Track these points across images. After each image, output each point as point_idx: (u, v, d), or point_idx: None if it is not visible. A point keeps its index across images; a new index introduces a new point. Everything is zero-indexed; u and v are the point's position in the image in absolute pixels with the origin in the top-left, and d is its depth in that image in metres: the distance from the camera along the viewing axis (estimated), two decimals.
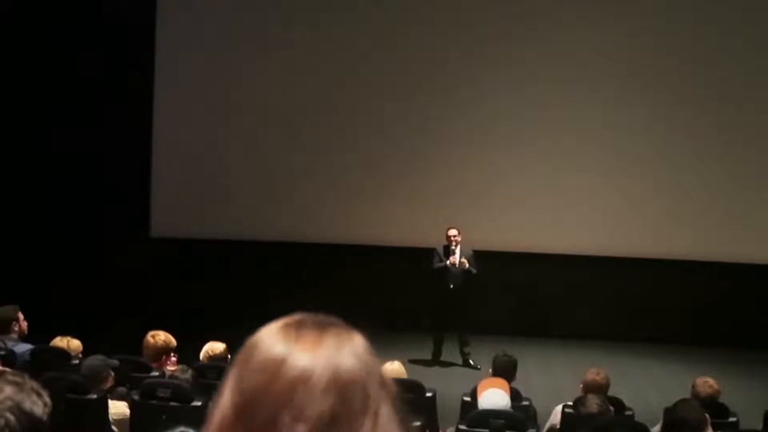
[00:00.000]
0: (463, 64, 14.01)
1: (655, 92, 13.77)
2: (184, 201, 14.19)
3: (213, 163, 14.25)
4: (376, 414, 1.10)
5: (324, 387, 1.10)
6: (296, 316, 1.18)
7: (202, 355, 7.74)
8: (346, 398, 1.10)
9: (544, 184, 13.89)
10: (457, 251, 11.88)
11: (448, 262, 11.83)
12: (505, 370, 7.68)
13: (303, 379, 1.10)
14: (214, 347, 7.68)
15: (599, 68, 13.81)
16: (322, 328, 1.15)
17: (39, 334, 8.23)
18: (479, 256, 12.25)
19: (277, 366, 1.12)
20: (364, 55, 14.13)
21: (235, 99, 14.20)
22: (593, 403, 6.44)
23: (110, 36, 13.83)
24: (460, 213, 13.45)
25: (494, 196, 13.94)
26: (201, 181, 14.21)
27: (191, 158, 14.27)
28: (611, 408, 6.64)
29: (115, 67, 13.84)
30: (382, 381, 1.13)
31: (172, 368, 7.45)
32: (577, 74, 13.83)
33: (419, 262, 12.32)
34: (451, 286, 11.83)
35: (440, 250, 12.05)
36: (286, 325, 1.16)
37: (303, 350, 1.12)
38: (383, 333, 11.72)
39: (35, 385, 2.00)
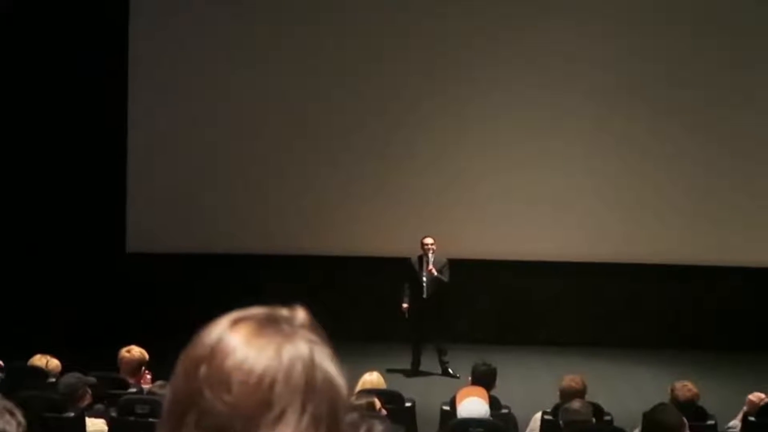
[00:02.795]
0: (438, 70, 14.01)
1: (639, 96, 13.81)
2: (160, 215, 14.13)
3: (188, 176, 14.19)
4: (282, 412, 1.08)
5: (226, 375, 1.10)
6: (252, 310, 1.17)
7: None
8: (248, 392, 1.09)
9: (521, 191, 13.89)
10: (431, 260, 11.86)
11: (424, 272, 11.81)
12: (484, 379, 7.69)
13: (210, 360, 1.11)
14: None
15: (581, 71, 13.83)
16: (267, 323, 1.14)
17: (17, 352, 8.18)
18: (457, 265, 12.25)
19: (211, 342, 1.13)
20: (339, 65, 14.11)
21: (211, 112, 14.15)
22: (576, 403, 6.44)
23: (83, 48, 13.76)
24: (438, 221, 13.44)
25: (471, 204, 13.93)
26: (177, 195, 14.14)
27: (167, 172, 14.21)
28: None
29: (87, 78, 13.76)
30: (308, 385, 1.10)
31: (148, 383, 7.43)
32: (556, 78, 13.84)
33: (397, 272, 12.29)
34: (425, 296, 11.81)
35: (413, 261, 12.05)
36: (233, 316, 1.17)
37: (234, 337, 1.12)
38: (361, 344, 11.81)
39: (8, 404, 1.98)
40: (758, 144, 13.81)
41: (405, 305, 11.93)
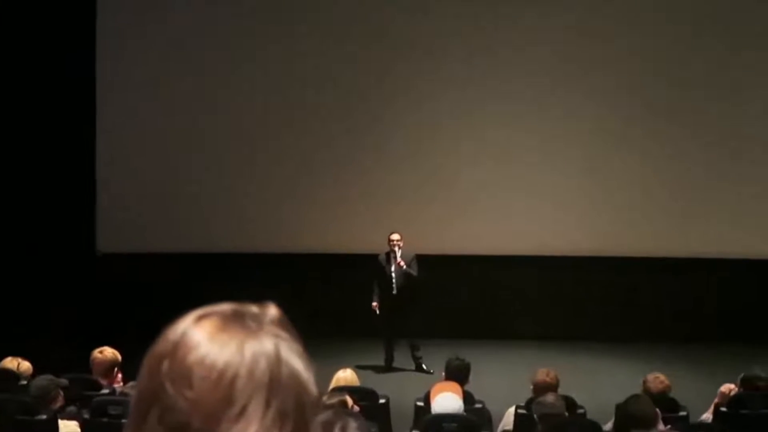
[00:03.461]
0: (414, 65, 14.02)
1: (624, 91, 13.86)
2: (131, 215, 14.06)
3: (160, 175, 14.14)
4: (243, 408, 1.07)
5: (186, 368, 1.09)
6: (219, 306, 1.16)
7: None
8: (209, 387, 1.08)
9: (496, 186, 13.92)
10: (398, 255, 11.87)
11: (393, 268, 11.83)
12: (457, 374, 7.71)
13: (172, 356, 1.10)
14: None
15: (560, 65, 13.89)
16: (232, 319, 1.13)
17: None
18: (432, 260, 12.27)
19: (175, 337, 1.12)
20: (312, 65, 14.08)
21: (183, 109, 14.10)
22: (550, 396, 6.47)
23: (50, 46, 13.68)
24: (413, 217, 13.48)
25: (446, 199, 13.95)
26: (148, 194, 14.09)
27: (137, 170, 14.15)
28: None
29: (55, 77, 13.68)
30: (272, 381, 1.09)
31: (120, 383, 7.40)
32: (537, 70, 13.88)
33: (366, 269, 12.28)
34: (395, 292, 11.83)
35: (381, 258, 12.06)
36: (199, 312, 1.16)
37: (197, 333, 1.12)
38: (334, 341, 11.81)
39: None
40: (753, 142, 13.88)
41: (375, 303, 11.95)
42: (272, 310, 1.17)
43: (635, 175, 13.95)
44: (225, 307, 1.16)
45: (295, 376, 1.11)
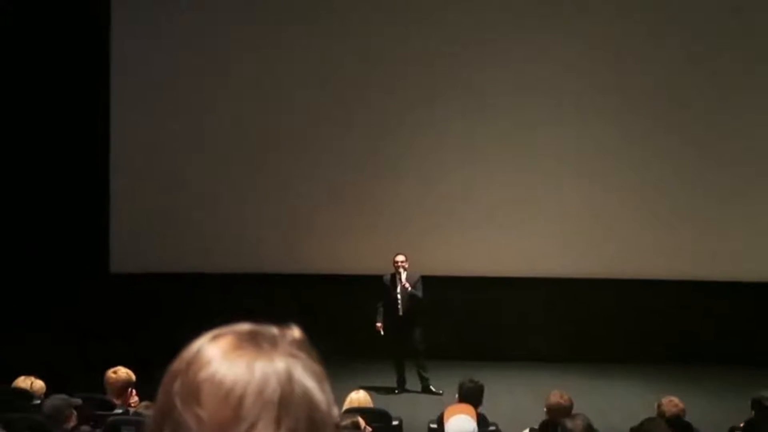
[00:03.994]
0: (417, 85, 14.05)
1: (624, 110, 13.89)
2: (144, 235, 14.10)
3: (172, 194, 14.18)
4: (251, 426, 1.06)
5: (194, 385, 1.10)
6: (238, 326, 1.17)
7: None
8: (217, 404, 1.08)
9: (501, 207, 13.93)
10: (404, 277, 11.87)
11: (398, 288, 11.82)
12: (471, 396, 7.68)
13: (185, 373, 1.11)
14: None
15: (560, 86, 13.91)
16: (247, 339, 1.14)
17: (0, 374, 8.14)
18: (437, 281, 12.26)
19: (189, 356, 1.13)
20: (316, 85, 14.13)
21: (196, 132, 14.16)
22: (577, 421, 6.37)
23: (63, 64, 13.77)
24: (418, 239, 13.49)
25: (452, 220, 13.96)
26: (161, 214, 14.13)
27: (150, 190, 14.19)
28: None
29: (69, 95, 13.76)
30: (282, 400, 1.08)
31: (134, 404, 7.40)
32: (537, 93, 13.91)
33: (371, 291, 12.28)
34: (400, 314, 11.82)
35: (386, 279, 12.05)
36: (216, 331, 1.16)
37: (211, 351, 1.12)
38: (347, 362, 11.79)
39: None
40: (748, 159, 13.87)
41: (379, 324, 11.95)
42: (293, 332, 1.17)
43: (642, 197, 13.93)
44: (243, 326, 1.16)
45: (307, 396, 1.10)
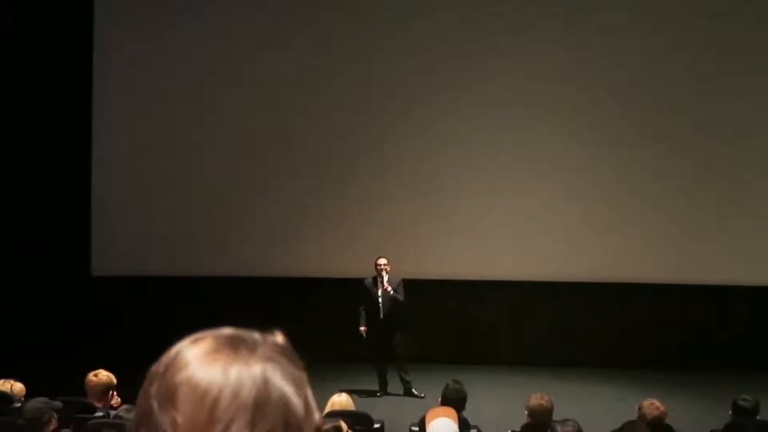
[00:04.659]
0: (410, 91, 14.07)
1: (624, 119, 13.93)
2: (126, 238, 14.06)
3: (154, 199, 14.16)
4: (225, 428, 1.06)
5: (170, 386, 1.10)
6: (219, 330, 1.17)
7: None
8: (192, 406, 1.08)
9: (488, 211, 13.96)
10: (385, 280, 11.87)
11: (380, 291, 11.82)
12: (454, 399, 7.66)
13: (162, 375, 1.12)
14: None
15: (552, 90, 13.95)
16: (226, 343, 1.14)
17: None
18: (422, 285, 12.25)
19: (168, 359, 1.14)
20: (307, 86, 14.14)
21: (177, 134, 14.14)
22: (569, 427, 6.34)
23: (46, 68, 13.73)
24: (402, 242, 13.50)
25: (436, 224, 13.99)
26: (142, 217, 14.10)
27: (132, 193, 14.16)
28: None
29: (51, 97, 13.72)
30: (257, 403, 1.08)
31: (116, 404, 7.37)
32: (527, 96, 13.96)
33: (358, 294, 12.26)
34: (381, 317, 11.82)
35: (368, 282, 12.04)
36: (197, 334, 1.17)
37: (189, 354, 1.12)
38: (330, 366, 11.77)
39: None
40: (740, 167, 13.92)
41: (362, 327, 11.94)
42: (275, 337, 1.18)
43: (632, 202, 13.97)
44: (224, 331, 1.17)
45: (284, 400, 1.10)
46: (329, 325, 13.51)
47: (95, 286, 14.02)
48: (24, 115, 13.74)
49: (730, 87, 13.86)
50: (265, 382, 1.10)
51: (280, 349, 1.16)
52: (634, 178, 13.95)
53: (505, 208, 13.97)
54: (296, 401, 1.11)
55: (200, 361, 1.11)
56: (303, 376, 1.15)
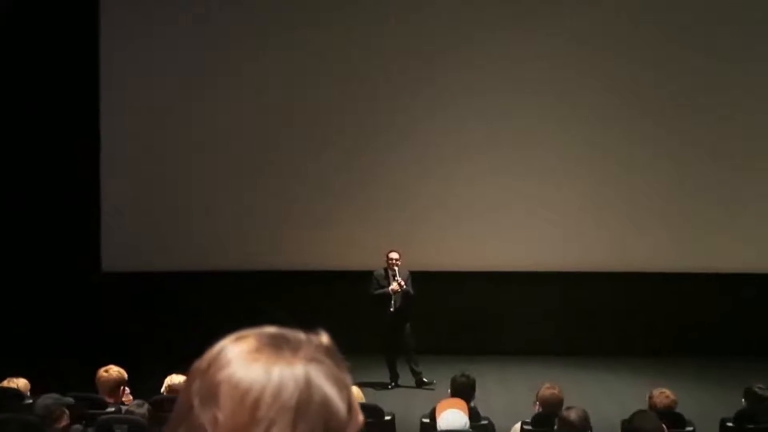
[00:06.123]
0: (410, 83, 14.07)
1: (627, 107, 13.92)
2: (136, 233, 14.08)
3: (164, 192, 14.18)
4: (267, 428, 1.06)
5: (211, 386, 1.10)
6: (263, 329, 1.16)
7: (163, 387, 7.69)
8: (233, 406, 1.07)
9: (495, 201, 13.95)
10: (397, 273, 11.87)
11: (390, 289, 11.82)
12: (463, 391, 7.68)
13: (204, 373, 1.11)
14: (175, 379, 7.62)
15: (556, 79, 13.93)
16: (269, 342, 1.13)
17: None
18: (432, 276, 12.26)
19: (211, 356, 1.13)
20: (309, 79, 14.14)
21: (186, 129, 14.15)
22: (573, 413, 6.31)
23: (54, 65, 13.76)
24: (410, 231, 13.51)
25: (445, 214, 13.98)
26: (153, 213, 14.12)
27: (141, 188, 14.18)
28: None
29: (60, 95, 13.75)
30: (299, 404, 1.07)
31: (127, 400, 7.39)
32: (535, 87, 13.93)
33: (367, 286, 12.25)
34: (392, 309, 11.82)
35: (378, 274, 12.03)
36: (242, 332, 1.16)
37: (232, 351, 1.12)
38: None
39: None
40: (741, 155, 13.90)
41: (391, 287, 11.82)
42: (320, 337, 1.18)
43: (638, 192, 13.96)
44: (268, 329, 1.16)
45: (325, 403, 1.10)
46: (337, 317, 13.49)
47: (106, 281, 14.02)
48: (34, 111, 13.77)
49: (735, 75, 13.83)
50: (308, 384, 1.09)
51: (325, 350, 1.15)
52: (643, 167, 13.92)
53: (513, 199, 13.95)
54: (339, 403, 1.11)
55: (242, 360, 1.10)
56: (347, 377, 1.15)
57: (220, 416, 1.07)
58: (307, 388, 1.09)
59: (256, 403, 1.07)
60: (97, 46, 14.17)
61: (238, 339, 1.14)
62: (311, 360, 1.11)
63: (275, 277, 13.84)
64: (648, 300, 14.00)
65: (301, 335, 1.16)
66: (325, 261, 13.98)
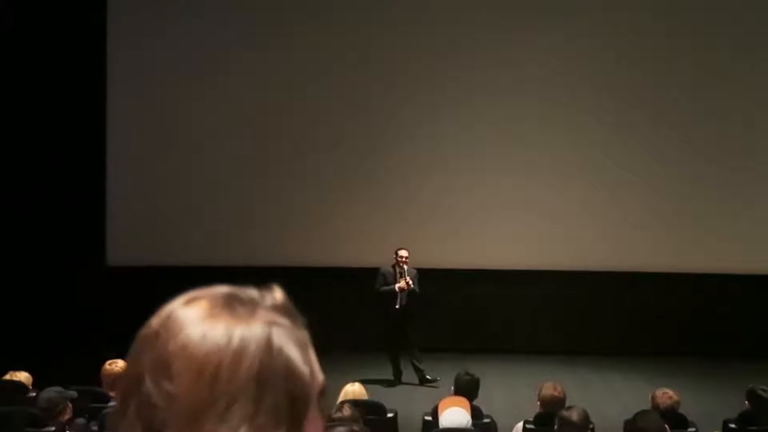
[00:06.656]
0: (413, 81, 14.08)
1: (615, 100, 13.91)
2: (141, 227, 14.10)
3: (169, 189, 14.19)
4: (227, 405, 0.94)
5: (162, 353, 0.98)
6: (213, 289, 1.06)
7: None
8: (189, 380, 0.96)
9: (499, 200, 13.96)
10: (406, 272, 11.86)
11: (397, 287, 11.81)
12: (466, 389, 7.67)
13: (153, 342, 1.00)
14: None
15: (556, 79, 13.93)
16: (223, 303, 1.02)
17: None
18: (435, 274, 12.27)
19: (160, 322, 1.03)
20: (314, 78, 14.15)
21: (191, 125, 14.16)
22: (574, 414, 6.31)
23: (61, 63, 13.78)
24: (415, 231, 13.50)
25: (449, 213, 13.99)
26: (158, 206, 14.14)
27: (147, 183, 14.21)
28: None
29: (66, 91, 13.77)
30: (261, 373, 0.96)
31: None
32: (532, 87, 13.94)
33: (371, 283, 12.24)
34: (397, 306, 11.81)
35: (386, 271, 12.02)
36: (190, 294, 1.06)
37: (184, 317, 1.01)
38: (343, 355, 11.79)
39: None
40: (741, 155, 13.89)
41: (400, 284, 11.80)
42: (275, 294, 1.07)
43: (643, 191, 13.95)
44: (220, 289, 1.06)
45: (289, 368, 0.99)
46: (341, 314, 13.53)
47: (111, 275, 14.04)
48: (41, 106, 13.80)
49: (736, 75, 13.84)
50: (269, 348, 0.98)
51: (283, 308, 1.05)
52: (648, 167, 13.92)
53: (516, 198, 13.95)
54: (303, 369, 1.01)
55: (196, 326, 0.99)
56: (306, 336, 1.05)
57: (175, 392, 0.96)
58: (269, 354, 0.98)
59: (215, 376, 0.95)
60: (105, 41, 14.18)
61: (188, 302, 1.03)
62: (270, 322, 1.01)
63: (279, 273, 13.79)
64: (652, 300, 13.99)
65: (254, 293, 1.05)
66: (327, 258, 13.99)
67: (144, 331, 1.03)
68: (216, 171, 14.20)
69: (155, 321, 1.02)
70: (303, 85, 14.16)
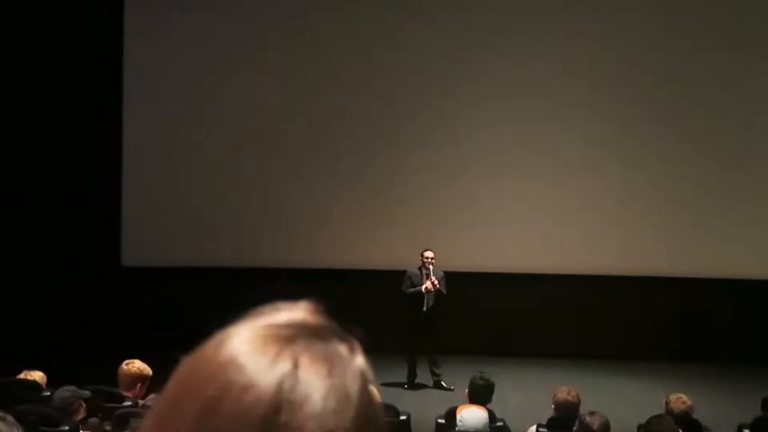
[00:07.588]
0: (433, 82, 14.08)
1: (624, 104, 13.90)
2: (156, 228, 14.13)
3: (184, 189, 14.22)
4: None
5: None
6: (313, 344, 0.92)
7: None
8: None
9: (516, 204, 13.95)
10: (432, 273, 11.84)
11: (423, 288, 11.78)
12: (481, 392, 7.66)
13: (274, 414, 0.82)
14: None
15: (567, 82, 13.93)
16: (332, 361, 0.90)
17: (9, 366, 8.16)
18: (451, 277, 12.26)
19: (210, 353, 0.88)
20: (331, 80, 14.17)
21: (207, 126, 14.19)
22: (597, 419, 6.28)
23: (77, 61, 13.82)
24: (434, 234, 13.48)
25: (466, 217, 13.98)
26: (173, 208, 14.16)
27: (162, 184, 14.23)
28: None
29: (82, 90, 13.82)
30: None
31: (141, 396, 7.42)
32: (545, 89, 13.93)
33: (394, 285, 12.24)
34: (424, 309, 11.79)
35: (413, 273, 11.99)
36: (292, 350, 0.89)
37: (305, 383, 0.86)
38: None
39: (11, 418, 2.00)
40: (750, 157, 13.87)
41: (424, 286, 11.78)
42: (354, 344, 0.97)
43: (665, 196, 13.91)
44: (319, 347, 0.92)
45: (380, 412, 0.92)
46: (357, 316, 13.46)
47: (125, 276, 14.07)
48: (57, 107, 13.84)
49: (736, 75, 13.82)
50: (371, 400, 0.89)
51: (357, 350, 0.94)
52: (678, 171, 13.90)
53: (538, 202, 13.94)
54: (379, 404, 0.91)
55: (324, 399, 0.85)
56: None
57: None
58: (367, 397, 0.88)
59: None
60: (122, 38, 14.22)
61: (296, 364, 0.86)
62: (360, 372, 0.90)
63: (299, 274, 13.83)
64: (667, 304, 13.95)
65: (342, 347, 0.94)
66: (344, 259, 13.99)
67: (189, 364, 0.86)
68: (234, 172, 14.20)
69: (205, 353, 0.86)
70: (326, 83, 14.16)
